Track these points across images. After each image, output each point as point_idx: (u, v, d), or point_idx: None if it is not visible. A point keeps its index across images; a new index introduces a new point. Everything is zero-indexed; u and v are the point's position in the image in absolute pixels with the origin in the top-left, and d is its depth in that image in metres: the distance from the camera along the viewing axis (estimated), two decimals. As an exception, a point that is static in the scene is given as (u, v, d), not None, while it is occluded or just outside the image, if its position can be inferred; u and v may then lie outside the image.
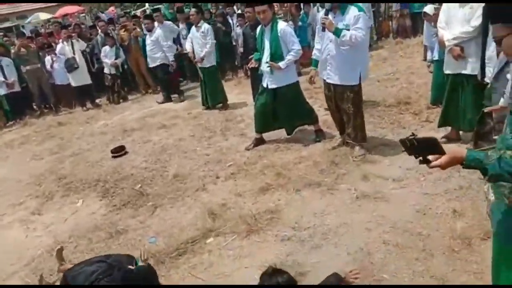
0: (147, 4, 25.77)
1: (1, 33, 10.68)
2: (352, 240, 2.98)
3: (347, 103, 4.12)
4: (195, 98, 7.79)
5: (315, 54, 4.32)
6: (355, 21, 3.80)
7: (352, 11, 3.84)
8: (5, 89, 8.21)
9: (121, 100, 8.60)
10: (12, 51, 8.67)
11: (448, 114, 4.12)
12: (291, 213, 3.46)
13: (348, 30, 3.80)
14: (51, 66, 8.35)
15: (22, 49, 8.49)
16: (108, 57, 8.38)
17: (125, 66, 8.92)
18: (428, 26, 5.74)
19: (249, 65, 5.24)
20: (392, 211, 3.25)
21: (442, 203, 3.25)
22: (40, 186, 5.00)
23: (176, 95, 8.05)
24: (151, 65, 8.03)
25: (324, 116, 5.36)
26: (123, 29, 8.73)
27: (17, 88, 8.36)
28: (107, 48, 8.40)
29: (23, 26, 15.50)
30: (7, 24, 14.94)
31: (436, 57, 5.03)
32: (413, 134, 1.62)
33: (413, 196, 3.42)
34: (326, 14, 3.94)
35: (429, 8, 5.16)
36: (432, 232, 2.92)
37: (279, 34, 4.36)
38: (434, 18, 4.74)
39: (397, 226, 3.05)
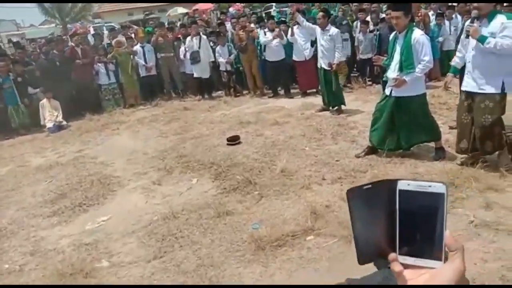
0: (274, 5, 26.55)
1: (152, 23, 11.99)
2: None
3: (484, 113, 3.83)
4: (310, 99, 7.89)
5: (455, 61, 4.21)
6: (502, 29, 3.60)
7: (500, 18, 3.65)
8: (145, 72, 9.28)
9: (238, 94, 9.07)
10: (152, 39, 9.68)
11: None
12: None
13: (494, 38, 3.61)
14: (184, 56, 9.15)
15: (160, 39, 9.44)
16: (222, 56, 8.90)
17: (238, 65, 9.18)
18: None
19: (374, 61, 5.11)
20: (518, 247, 2.92)
21: None
22: (163, 160, 5.56)
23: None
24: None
25: (447, 135, 5.00)
26: (242, 30, 8.93)
27: (153, 72, 9.39)
28: (219, 48, 8.91)
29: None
30: (150, 16, 16.96)
31: None
32: None
33: (545, 236, 3.02)
34: (472, 21, 3.80)
35: None
36: None
37: (412, 43, 4.18)
38: None
39: (522, 264, 2.73)
